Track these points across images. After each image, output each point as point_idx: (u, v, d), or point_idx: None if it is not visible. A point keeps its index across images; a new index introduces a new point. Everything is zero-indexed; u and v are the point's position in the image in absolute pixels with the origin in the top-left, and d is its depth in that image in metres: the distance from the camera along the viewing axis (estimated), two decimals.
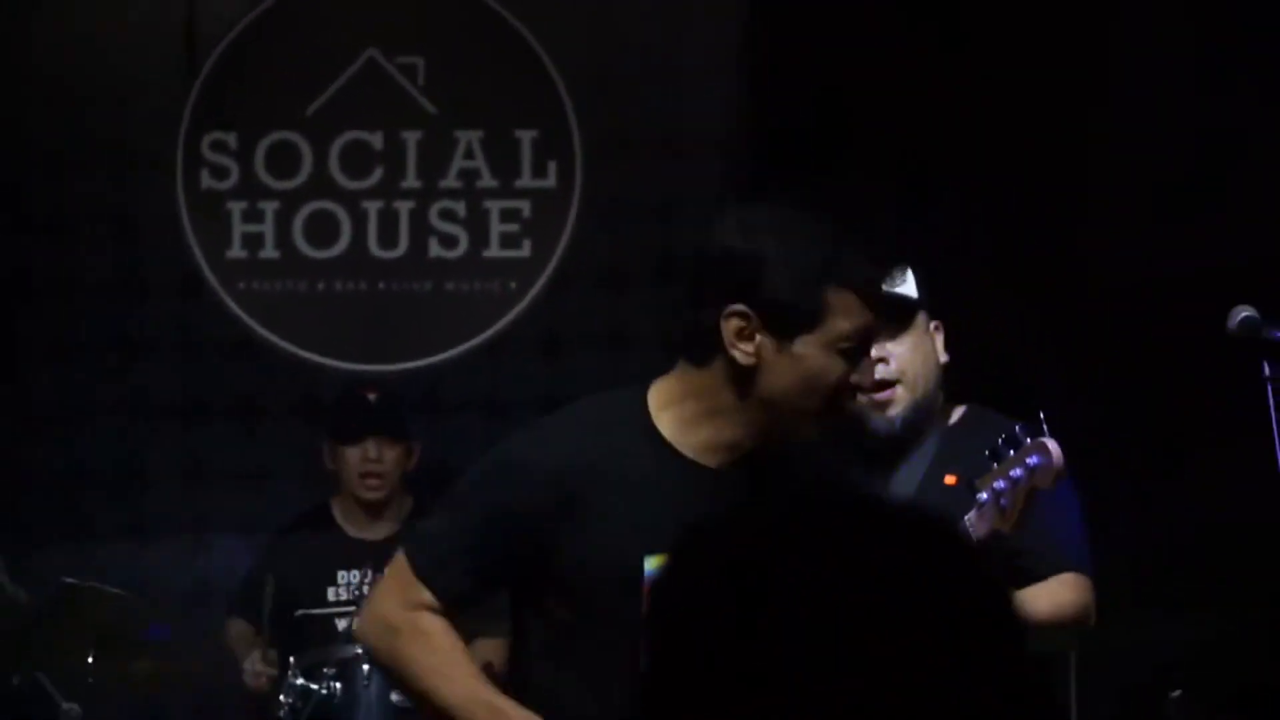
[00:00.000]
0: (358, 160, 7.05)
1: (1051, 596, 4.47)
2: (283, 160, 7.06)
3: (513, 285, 7.08)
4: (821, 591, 1.58)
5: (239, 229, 6.98)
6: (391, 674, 3.88)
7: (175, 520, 6.96)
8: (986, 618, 1.60)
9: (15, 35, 6.98)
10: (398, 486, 6.12)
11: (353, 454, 6.09)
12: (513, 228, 7.05)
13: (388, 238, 6.97)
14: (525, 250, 7.06)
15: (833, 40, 6.85)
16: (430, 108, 7.00)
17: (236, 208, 7.02)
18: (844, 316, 3.48)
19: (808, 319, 3.48)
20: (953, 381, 4.71)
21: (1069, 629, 4.70)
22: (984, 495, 4.07)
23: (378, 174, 7.03)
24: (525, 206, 7.06)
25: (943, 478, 4.54)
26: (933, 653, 1.56)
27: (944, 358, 4.67)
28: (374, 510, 6.07)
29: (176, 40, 6.97)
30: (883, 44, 6.77)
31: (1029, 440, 4.07)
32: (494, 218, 7.07)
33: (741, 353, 3.44)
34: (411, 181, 7.07)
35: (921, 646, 1.56)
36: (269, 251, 7.03)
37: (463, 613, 3.72)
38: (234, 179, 7.02)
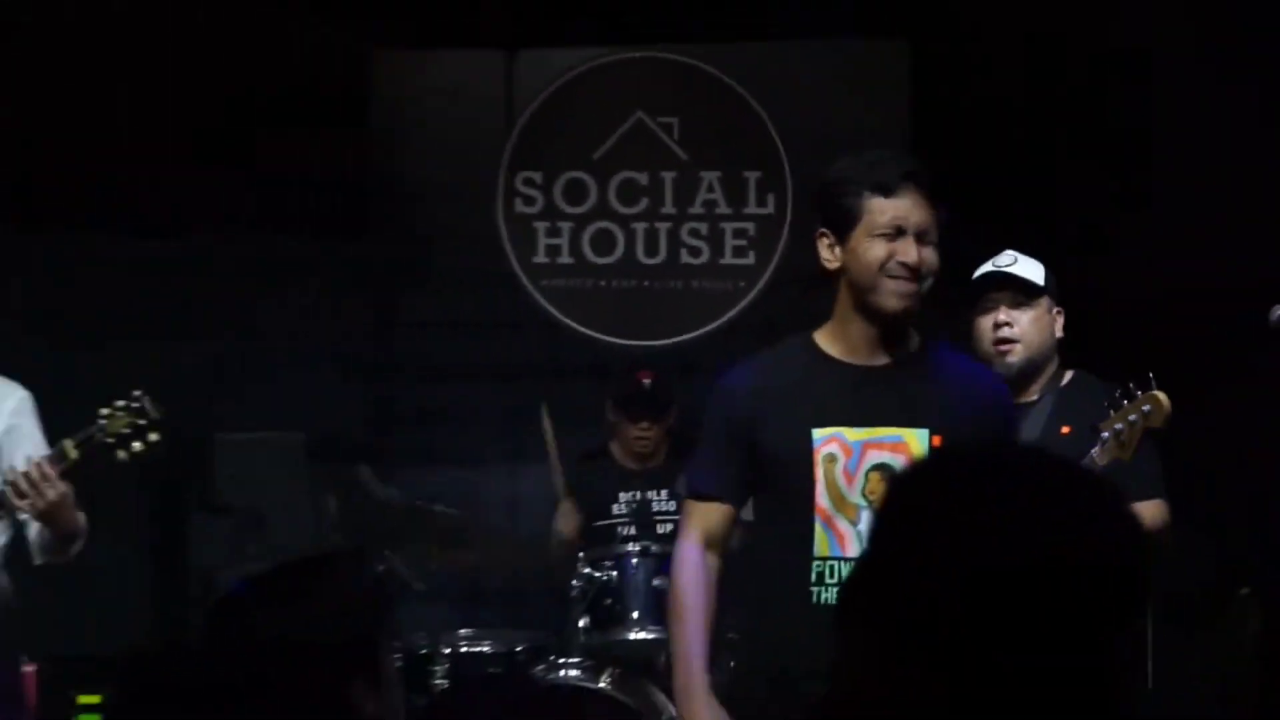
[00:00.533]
0: (630, 193, 7.73)
1: (1146, 514, 4.73)
2: (575, 193, 7.75)
3: (741, 284, 7.70)
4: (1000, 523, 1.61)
5: (543, 242, 7.68)
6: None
7: (497, 454, 7.58)
8: (1126, 533, 1.66)
9: (355, 93, 7.66)
10: (661, 437, 6.60)
11: (628, 427, 6.58)
12: (741, 243, 7.70)
13: (651, 249, 7.62)
14: (750, 259, 7.68)
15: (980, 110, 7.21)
16: (682, 155, 7.71)
17: (541, 227, 7.71)
18: (876, 212, 3.87)
19: (851, 220, 3.89)
20: (1067, 352, 5.11)
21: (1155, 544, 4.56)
22: (1106, 434, 4.53)
23: (644, 203, 7.72)
24: (751, 227, 7.69)
25: (1059, 429, 4.90)
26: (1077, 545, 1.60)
27: (1059, 334, 5.09)
28: (642, 456, 6.57)
29: (499, 103, 7.74)
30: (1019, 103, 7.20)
31: (1141, 393, 4.55)
32: (728, 236, 7.71)
33: (828, 261, 3.90)
34: (668, 209, 7.73)
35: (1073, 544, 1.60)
36: (564, 258, 7.73)
37: (743, 503, 4.08)
38: (539, 206, 7.73)
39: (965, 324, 5.09)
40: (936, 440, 3.99)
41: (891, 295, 3.88)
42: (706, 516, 4.09)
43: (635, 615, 5.93)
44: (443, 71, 7.87)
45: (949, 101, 7.40)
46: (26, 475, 5.21)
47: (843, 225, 3.95)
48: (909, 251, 3.87)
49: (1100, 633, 1.62)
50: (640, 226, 7.64)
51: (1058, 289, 5.09)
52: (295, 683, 2.66)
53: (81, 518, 5.31)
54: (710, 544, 4.08)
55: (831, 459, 3.93)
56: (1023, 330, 4.99)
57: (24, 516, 5.31)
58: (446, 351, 7.81)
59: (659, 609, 5.58)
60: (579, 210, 7.80)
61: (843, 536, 3.95)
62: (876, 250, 3.88)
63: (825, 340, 4.02)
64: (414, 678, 6.32)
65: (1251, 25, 6.64)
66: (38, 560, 5.44)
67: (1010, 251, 5.13)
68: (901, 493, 1.71)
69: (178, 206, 7.39)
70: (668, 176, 7.77)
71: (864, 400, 3.98)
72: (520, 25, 7.76)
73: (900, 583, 1.64)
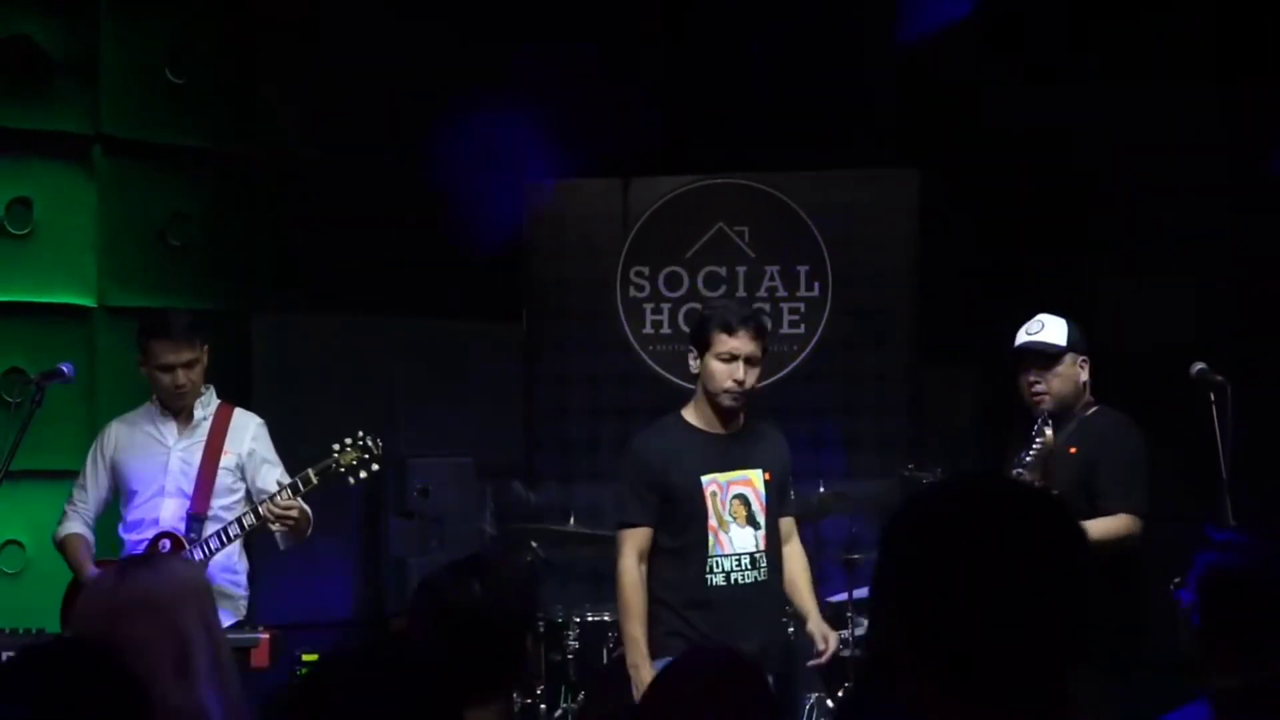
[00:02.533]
0: (713, 281, 8.89)
1: (1110, 525, 5.30)
2: (673, 282, 8.91)
3: (795, 348, 8.87)
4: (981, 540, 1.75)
5: (649, 318, 8.84)
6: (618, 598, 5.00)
7: (605, 475, 7.80)
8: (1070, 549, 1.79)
9: (514, 219, 8.56)
10: None
11: None
12: (795, 318, 8.88)
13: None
14: (801, 330, 8.85)
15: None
16: (751, 253, 8.86)
17: (649, 307, 8.86)
18: (720, 343, 5.00)
19: (706, 344, 5.05)
20: (1096, 389, 5.66)
21: (1116, 548, 5.32)
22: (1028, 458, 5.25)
23: (723, 289, 8.84)
24: (801, 306, 8.88)
25: (1069, 449, 5.57)
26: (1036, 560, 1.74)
27: (1084, 378, 5.65)
28: None
29: (618, 217, 8.87)
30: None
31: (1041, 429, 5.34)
32: (785, 313, 8.89)
33: (693, 368, 5.10)
34: (741, 293, 8.80)
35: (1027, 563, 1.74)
36: (665, 330, 8.79)
37: (656, 523, 5.05)
38: (647, 291, 8.91)
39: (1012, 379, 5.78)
40: (768, 475, 5.34)
41: (726, 398, 5.26)
42: (638, 539, 5.31)
43: None
44: (578, 195, 9.00)
45: (949, 214, 8.67)
46: (275, 500, 5.84)
47: (702, 346, 5.25)
48: (737, 372, 5.15)
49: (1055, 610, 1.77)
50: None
51: (1084, 340, 5.70)
52: (482, 642, 2.96)
53: (310, 520, 5.95)
54: (641, 558, 5.32)
55: (714, 494, 5.29)
56: (1049, 385, 5.70)
57: (275, 527, 5.93)
58: (579, 398, 8.90)
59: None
60: (676, 294, 8.95)
61: (722, 542, 5.35)
62: (719, 369, 5.19)
63: (691, 417, 5.30)
64: (551, 639, 7.19)
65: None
66: (282, 547, 6.12)
67: (1040, 317, 5.76)
68: (910, 516, 1.87)
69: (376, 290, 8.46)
70: (740, 270, 8.94)
71: (724, 455, 5.31)
72: (634, 159, 8.93)
73: (909, 582, 1.80)
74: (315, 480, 5.82)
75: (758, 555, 5.38)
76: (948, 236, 8.65)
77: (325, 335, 8.68)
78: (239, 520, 5.89)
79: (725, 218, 8.84)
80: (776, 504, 5.43)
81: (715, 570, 5.31)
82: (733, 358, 5.19)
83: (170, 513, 6.05)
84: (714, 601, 5.26)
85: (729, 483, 5.28)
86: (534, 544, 7.59)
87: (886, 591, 1.86)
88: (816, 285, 8.86)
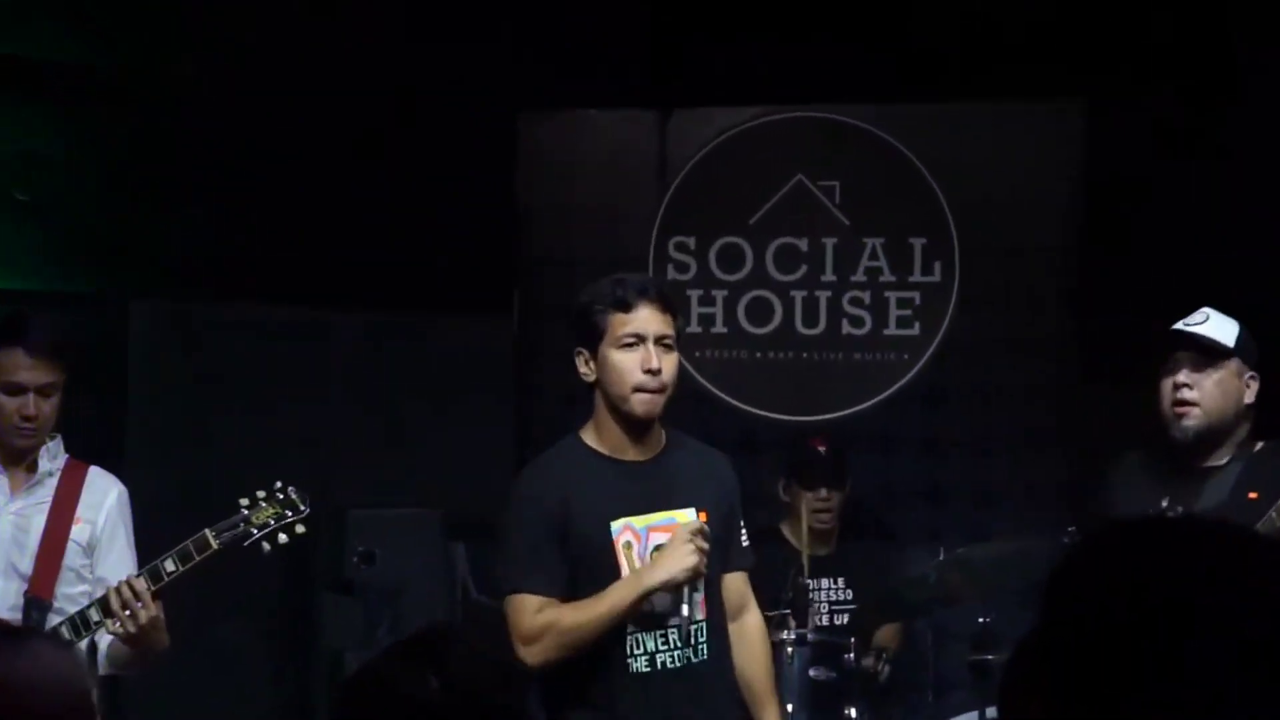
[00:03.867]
0: (788, 259, 7.64)
1: None
2: (730, 258, 7.66)
3: (905, 356, 7.61)
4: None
5: (696, 310, 7.56)
6: (573, 649, 4.57)
7: None
8: None
9: (502, 166, 7.65)
10: (839, 510, 6.53)
11: (804, 497, 6.47)
12: (906, 313, 7.61)
13: (810, 319, 7.49)
14: (915, 330, 7.60)
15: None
16: (844, 220, 7.62)
17: (694, 295, 7.60)
18: (617, 326, 4.47)
19: (597, 334, 4.50)
20: (1262, 422, 5.14)
21: None
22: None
23: (803, 270, 7.62)
24: (916, 296, 7.60)
25: (1246, 494, 5.02)
26: None
27: (1249, 400, 5.13)
28: (821, 534, 6.44)
29: (651, 165, 7.65)
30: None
31: None
32: (892, 305, 7.62)
33: (585, 375, 4.53)
34: (829, 276, 7.65)
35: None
36: (718, 328, 7.65)
37: (565, 594, 4.50)
38: (692, 272, 7.65)
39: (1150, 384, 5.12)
40: (702, 516, 4.60)
41: (641, 400, 4.52)
42: (533, 605, 4.53)
43: (789, 708, 5.88)
44: (593, 133, 7.87)
45: (1126, 162, 7.38)
46: (119, 593, 5.15)
47: (590, 339, 4.56)
48: (649, 359, 4.47)
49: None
50: (799, 295, 7.55)
51: (1256, 352, 5.10)
52: None
53: (166, 640, 5.24)
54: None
55: (628, 545, 4.54)
56: (1203, 394, 5.05)
57: (114, 630, 5.22)
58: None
59: (814, 701, 5.89)
60: (734, 277, 7.72)
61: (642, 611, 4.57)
62: (622, 361, 4.49)
63: (593, 440, 4.63)
64: None
65: None
66: (102, 671, 5.36)
67: (1205, 310, 5.16)
68: (1084, 565, 1.64)
69: (309, 274, 7.58)
70: (829, 243, 7.68)
71: (640, 490, 4.60)
72: (674, 83, 7.78)
73: (1089, 651, 1.56)
74: (215, 545, 5.15)
75: (694, 629, 4.66)
76: (1127, 194, 7.31)
77: (230, 331, 7.67)
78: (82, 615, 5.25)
79: (806, 168, 7.64)
80: (719, 556, 4.69)
81: (635, 652, 4.59)
82: (637, 340, 4.49)
83: None
84: (635, 696, 4.61)
85: (648, 529, 4.59)
86: None
87: (1055, 683, 1.55)
88: (938, 266, 7.58)
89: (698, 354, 7.58)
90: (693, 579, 4.41)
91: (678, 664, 4.66)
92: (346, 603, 7.53)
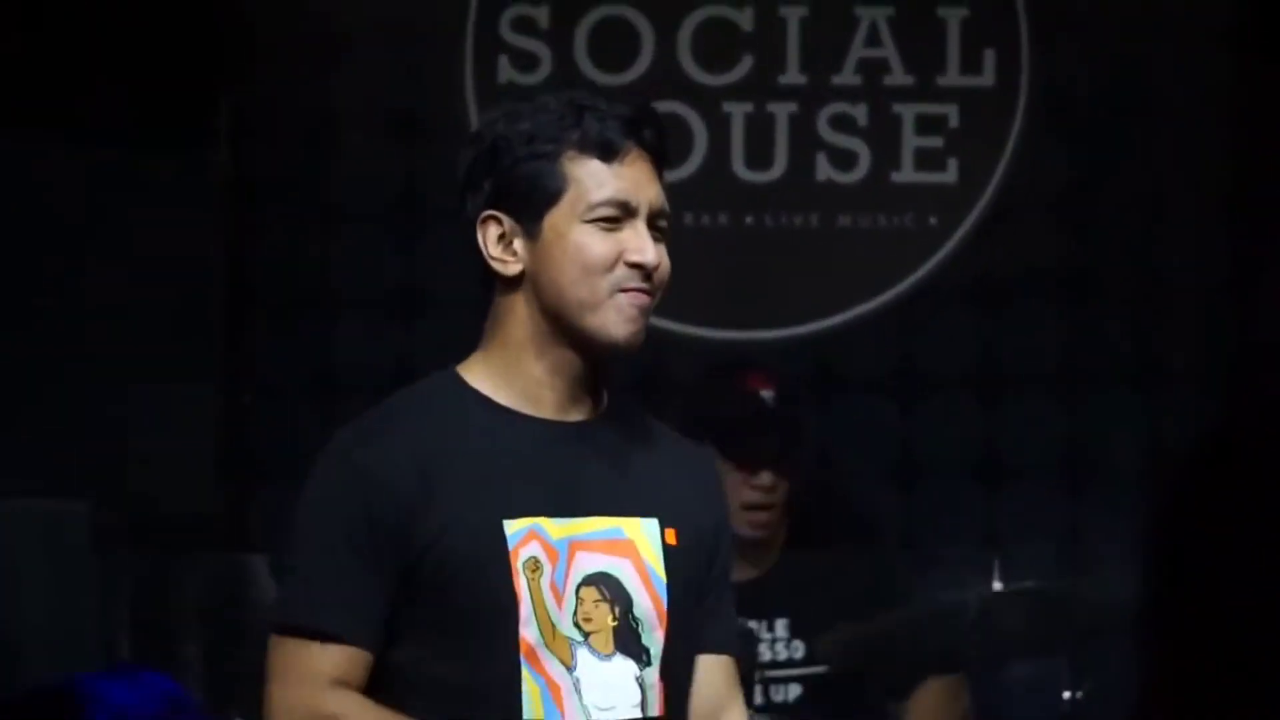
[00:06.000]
0: (717, 47, 5.87)
1: None
2: (612, 45, 5.89)
3: (933, 221, 5.81)
4: None
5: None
6: None
7: None
8: None
9: None
10: (784, 503, 5.15)
11: (736, 479, 5.02)
12: (934, 142, 5.79)
13: (759, 155, 5.83)
14: (951, 174, 5.81)
15: None
16: None
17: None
18: (591, 185, 3.38)
19: (546, 196, 3.39)
20: None
21: None
22: None
23: (745, 66, 5.79)
24: (951, 113, 5.80)
25: None
26: None
27: None
28: (753, 548, 5.11)
29: None
30: None
31: None
32: (907, 128, 5.82)
33: (502, 262, 3.42)
34: (792, 77, 5.82)
35: None
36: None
37: (380, 647, 3.46)
38: (545, 70, 5.82)
39: None
40: (670, 535, 3.51)
41: (620, 319, 3.37)
42: (325, 666, 3.43)
43: None
44: None
45: None
46: None
47: (530, 205, 3.44)
48: (644, 245, 3.43)
49: None
50: (738, 110, 5.87)
51: None
52: None
53: None
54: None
55: (534, 567, 3.49)
56: None
57: None
58: (359, 341, 6.17)
59: None
60: (620, 80, 5.98)
61: (558, 689, 3.43)
62: (595, 242, 3.43)
63: (484, 383, 3.50)
64: None
65: None
66: None
67: None
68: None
69: None
70: (792, 15, 5.86)
71: (563, 475, 3.49)
72: None
73: None
74: None
75: None
76: None
77: None
78: None
79: None
80: (687, 616, 3.43)
81: None
82: (623, 213, 3.28)
83: None
84: None
85: (571, 544, 3.39)
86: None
87: None
88: (989, 56, 5.83)
89: None
90: None
91: None
92: None
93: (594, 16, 5.82)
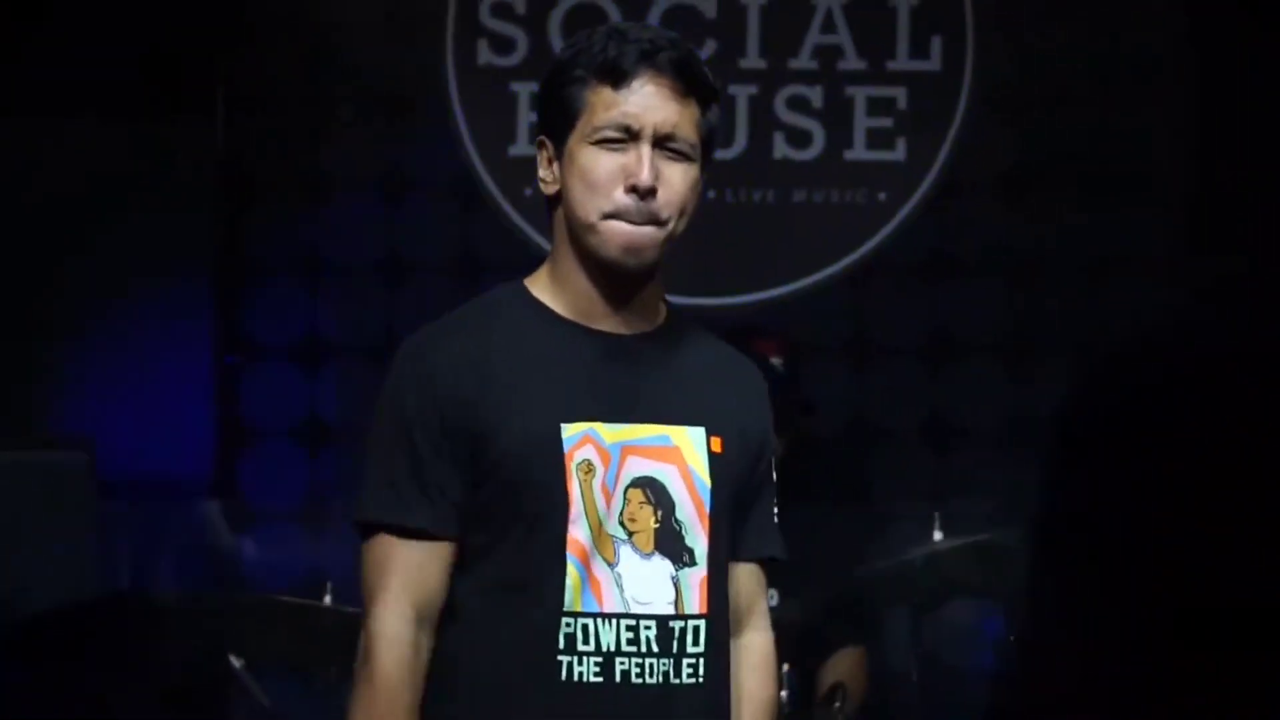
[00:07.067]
0: (682, 31, 5.51)
1: None
2: (585, 27, 6.00)
3: (882, 196, 6.20)
4: None
5: (525, 119, 6.17)
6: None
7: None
8: None
9: None
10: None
11: None
12: (884, 122, 6.18)
13: (720, 133, 5.95)
14: (899, 152, 6.19)
15: None
16: None
17: (524, 91, 6.18)
18: (599, 107, 3.53)
19: (568, 119, 3.56)
20: None
21: None
22: None
23: (709, 49, 6.10)
24: (900, 95, 6.19)
25: None
26: None
27: None
28: None
29: None
30: None
31: None
32: (859, 109, 6.19)
33: (544, 183, 3.61)
34: (752, 61, 6.21)
35: None
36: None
37: (460, 536, 3.58)
38: (521, 53, 6.17)
39: None
40: (716, 443, 3.69)
41: (607, 243, 3.56)
42: (413, 565, 3.58)
43: None
44: None
45: None
46: None
47: (559, 129, 3.63)
48: (639, 167, 3.55)
49: None
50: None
51: None
52: None
53: None
54: (423, 613, 3.58)
55: (587, 469, 3.64)
56: None
57: None
58: (348, 307, 6.44)
59: None
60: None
61: (599, 585, 3.59)
62: (595, 164, 3.61)
63: (545, 294, 3.68)
64: None
65: None
66: None
67: None
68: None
69: None
70: (752, 1, 6.28)
71: (615, 383, 3.65)
72: None
73: None
74: None
75: (680, 626, 3.56)
76: None
77: None
78: None
79: None
80: (730, 520, 3.57)
81: (579, 646, 3.53)
82: (625, 135, 3.42)
83: None
84: (573, 714, 3.54)
85: (623, 448, 3.54)
86: (233, 659, 5.41)
87: None
88: (937, 42, 6.30)
89: (529, 192, 6.27)
90: None
91: (649, 680, 3.70)
92: None
93: (568, 3, 6.12)
